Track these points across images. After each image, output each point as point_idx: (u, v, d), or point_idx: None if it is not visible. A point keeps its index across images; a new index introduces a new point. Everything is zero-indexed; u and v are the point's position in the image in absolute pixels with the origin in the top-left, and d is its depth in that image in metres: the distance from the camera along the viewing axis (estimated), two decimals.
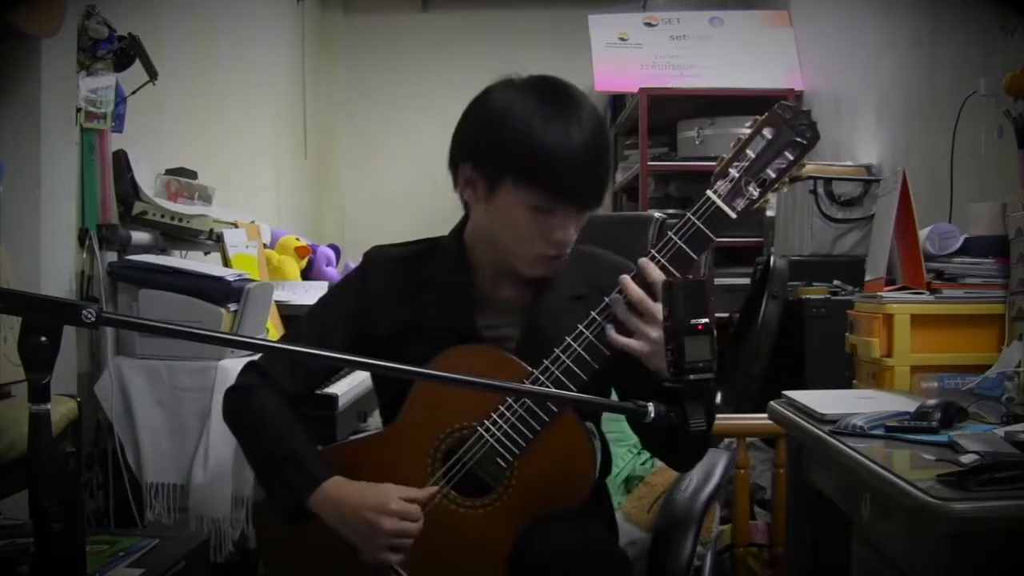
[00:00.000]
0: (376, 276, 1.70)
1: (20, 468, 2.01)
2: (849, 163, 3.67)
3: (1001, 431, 1.56)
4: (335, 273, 3.86)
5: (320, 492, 1.56)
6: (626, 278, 1.53)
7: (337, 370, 1.80)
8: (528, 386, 1.52)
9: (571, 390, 1.52)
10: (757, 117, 1.55)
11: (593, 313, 1.53)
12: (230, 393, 1.71)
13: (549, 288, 1.65)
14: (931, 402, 1.71)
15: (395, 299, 1.67)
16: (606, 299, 1.53)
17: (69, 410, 2.28)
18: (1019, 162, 2.32)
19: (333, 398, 2.68)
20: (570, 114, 1.54)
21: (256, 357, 1.74)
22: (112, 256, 2.81)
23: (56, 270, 2.68)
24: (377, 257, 1.73)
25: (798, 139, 1.53)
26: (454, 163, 1.64)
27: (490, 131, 1.57)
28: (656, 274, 1.51)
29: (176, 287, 2.67)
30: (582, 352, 1.52)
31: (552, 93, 1.56)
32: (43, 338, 1.09)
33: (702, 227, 1.53)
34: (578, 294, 1.67)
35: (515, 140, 1.53)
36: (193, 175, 3.18)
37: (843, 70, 4.10)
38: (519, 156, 1.53)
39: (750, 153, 1.54)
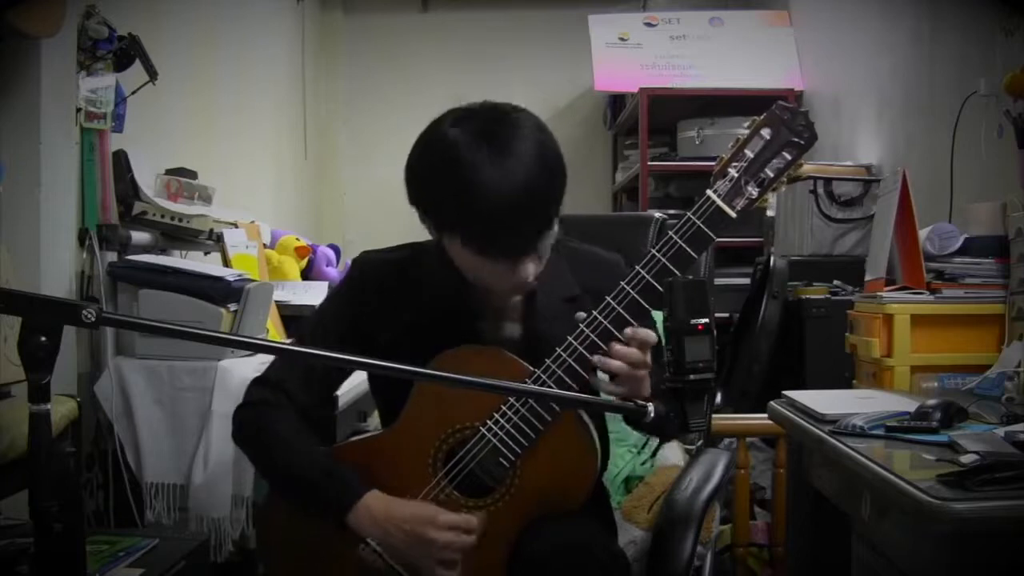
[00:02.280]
0: (369, 283, 1.69)
1: (20, 468, 2.01)
2: (849, 163, 3.67)
3: (1001, 431, 1.56)
4: (335, 273, 3.86)
5: (361, 508, 1.54)
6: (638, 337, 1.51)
7: (343, 380, 1.79)
8: (530, 386, 1.52)
9: (573, 390, 1.52)
10: (756, 117, 1.56)
11: (595, 312, 1.53)
12: (242, 411, 1.68)
13: (544, 290, 1.64)
14: (931, 402, 1.71)
15: (391, 305, 1.66)
16: (607, 298, 1.53)
17: (69, 410, 2.28)
18: (1019, 162, 2.32)
19: (333, 398, 2.68)
20: (508, 162, 1.47)
21: (263, 372, 1.71)
22: (112, 256, 2.81)
23: (56, 270, 2.68)
24: (367, 264, 1.72)
25: (796, 139, 1.54)
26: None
27: (428, 188, 1.54)
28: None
29: (176, 287, 2.67)
30: (584, 352, 1.52)
31: (491, 137, 1.48)
32: (43, 338, 1.09)
33: (702, 227, 1.53)
34: (572, 295, 1.67)
35: (450, 202, 1.50)
36: (193, 175, 3.18)
37: (843, 70, 4.10)
38: (455, 219, 1.51)
39: (749, 153, 1.54)
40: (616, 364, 1.50)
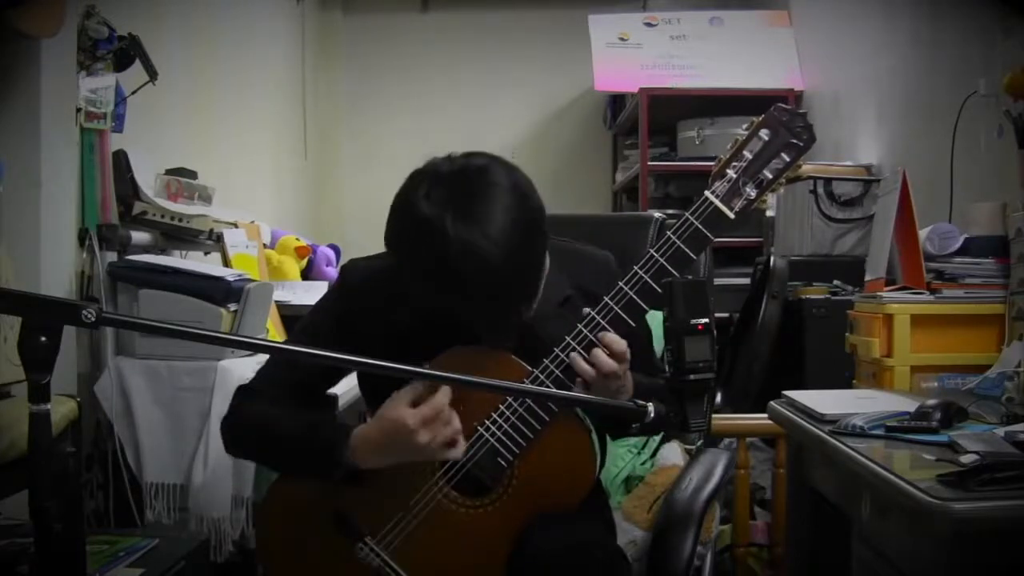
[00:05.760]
0: (360, 291, 1.68)
1: (20, 468, 2.01)
2: (849, 163, 3.67)
3: (1001, 431, 1.56)
4: (335, 273, 3.85)
5: (351, 447, 1.53)
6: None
7: (328, 388, 1.79)
8: (528, 386, 1.52)
9: (570, 390, 1.52)
10: (754, 118, 1.56)
11: (592, 312, 1.53)
12: (228, 420, 1.68)
13: None
14: (931, 402, 1.71)
15: (384, 312, 1.64)
16: (605, 299, 1.53)
17: (69, 410, 2.28)
18: (1019, 162, 2.32)
19: (333, 398, 2.68)
20: (486, 232, 1.42)
21: (247, 381, 1.71)
22: (112, 256, 2.81)
23: (56, 270, 2.68)
24: (357, 271, 1.71)
25: (794, 140, 1.54)
26: None
27: (410, 265, 1.51)
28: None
29: (176, 287, 2.67)
30: (581, 352, 1.52)
31: (464, 208, 1.43)
32: (43, 338, 1.09)
33: (700, 227, 1.53)
34: (565, 295, 1.67)
35: (437, 279, 1.47)
36: (193, 175, 3.18)
37: (843, 70, 4.10)
38: (440, 288, 1.49)
39: (747, 154, 1.54)
40: (585, 368, 1.50)
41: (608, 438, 1.79)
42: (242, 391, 1.70)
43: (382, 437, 1.52)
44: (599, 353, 1.50)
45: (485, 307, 1.49)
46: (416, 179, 1.49)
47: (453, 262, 1.43)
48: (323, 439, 1.57)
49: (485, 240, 1.42)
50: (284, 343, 1.80)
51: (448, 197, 1.45)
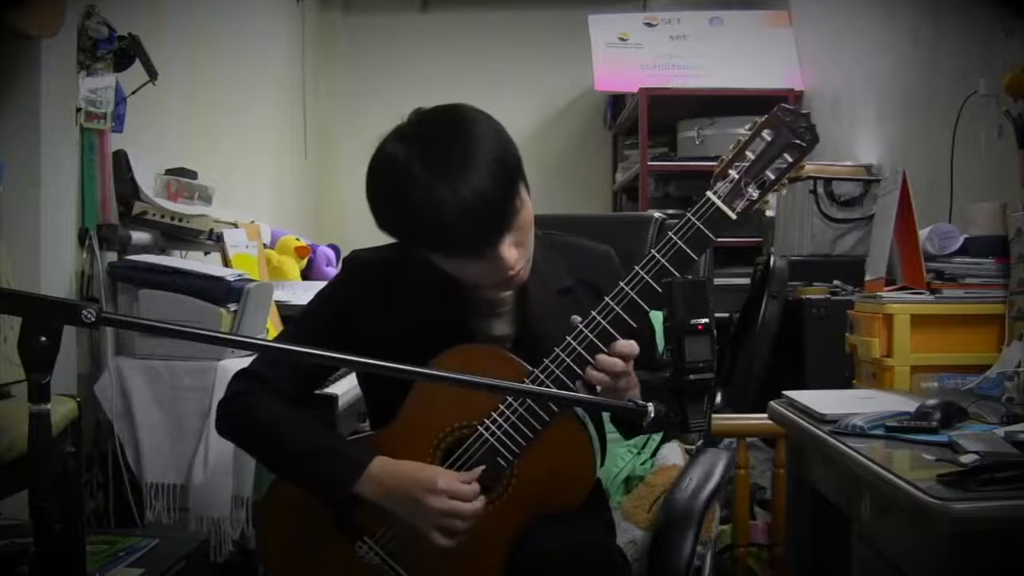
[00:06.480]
0: (361, 282, 1.68)
1: (20, 468, 2.01)
2: (849, 163, 3.67)
3: (1001, 431, 1.56)
4: (335, 273, 3.86)
5: (366, 476, 1.55)
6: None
7: (327, 376, 1.79)
8: (528, 386, 1.52)
9: (571, 390, 1.52)
10: (757, 119, 1.55)
11: (593, 313, 1.53)
12: (226, 404, 1.68)
13: (535, 283, 1.63)
14: (931, 402, 1.71)
15: (384, 304, 1.65)
16: (606, 299, 1.53)
17: (69, 410, 2.28)
18: (1019, 162, 2.32)
19: (333, 398, 2.68)
20: (457, 168, 1.46)
21: (246, 365, 1.71)
22: (112, 256, 2.81)
23: (56, 270, 2.68)
24: (359, 263, 1.71)
25: (797, 141, 1.53)
26: None
27: (383, 210, 1.54)
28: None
29: (176, 287, 2.68)
30: (583, 351, 1.52)
31: (436, 148, 1.49)
32: (43, 338, 1.09)
33: (702, 227, 1.53)
34: (565, 287, 1.67)
35: (406, 220, 1.50)
36: (193, 175, 3.19)
37: (843, 70, 4.10)
38: (414, 234, 1.51)
39: (750, 155, 1.54)
40: (599, 376, 1.50)
41: (607, 438, 1.79)
42: (241, 376, 1.69)
43: (401, 480, 1.54)
44: (605, 358, 1.50)
45: (471, 246, 1.48)
46: (382, 145, 1.57)
47: (421, 191, 1.45)
48: (329, 469, 1.57)
49: (460, 173, 1.45)
50: (283, 336, 1.78)
51: (413, 148, 1.50)
